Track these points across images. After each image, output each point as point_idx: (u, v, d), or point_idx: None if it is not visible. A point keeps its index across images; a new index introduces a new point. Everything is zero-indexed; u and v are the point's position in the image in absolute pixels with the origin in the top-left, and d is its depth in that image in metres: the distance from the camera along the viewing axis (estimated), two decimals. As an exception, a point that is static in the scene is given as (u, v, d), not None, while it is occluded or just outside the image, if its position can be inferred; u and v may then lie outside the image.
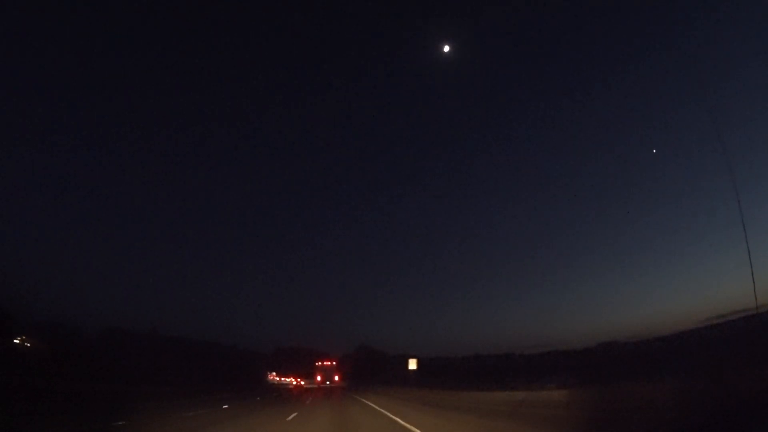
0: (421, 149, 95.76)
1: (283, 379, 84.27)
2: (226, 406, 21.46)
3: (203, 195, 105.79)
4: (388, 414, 15.88)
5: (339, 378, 59.15)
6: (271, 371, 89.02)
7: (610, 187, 70.57)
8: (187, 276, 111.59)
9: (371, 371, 60.89)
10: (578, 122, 70.87)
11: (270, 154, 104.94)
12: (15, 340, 31.14)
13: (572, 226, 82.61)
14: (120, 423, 13.57)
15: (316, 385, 57.93)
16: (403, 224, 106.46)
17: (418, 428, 11.45)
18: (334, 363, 60.31)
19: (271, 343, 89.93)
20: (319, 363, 60.42)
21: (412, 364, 47.20)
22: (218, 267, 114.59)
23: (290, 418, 15.81)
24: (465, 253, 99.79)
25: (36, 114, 75.61)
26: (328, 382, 57.30)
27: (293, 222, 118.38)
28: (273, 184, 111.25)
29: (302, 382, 63.74)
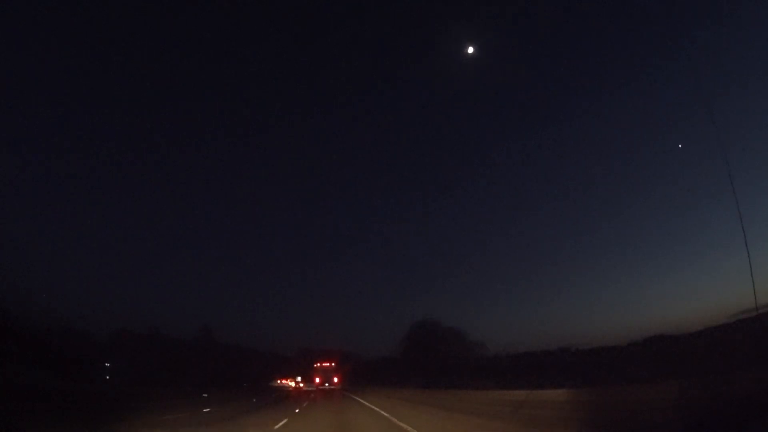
0: (446, 150, 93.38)
1: (288, 382, 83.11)
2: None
3: (230, 197, 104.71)
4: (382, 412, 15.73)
5: (338, 380, 58.32)
6: (285, 374, 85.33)
7: (624, 190, 69.41)
8: (218, 278, 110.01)
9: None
10: (589, 127, 69.74)
11: (289, 156, 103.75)
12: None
13: (591, 226, 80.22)
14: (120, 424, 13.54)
15: (314, 388, 57.39)
16: (425, 226, 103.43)
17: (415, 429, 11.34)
18: (333, 364, 59.52)
19: (298, 345, 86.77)
20: (318, 364, 59.85)
21: None
22: (248, 267, 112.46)
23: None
24: (488, 252, 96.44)
25: (46, 117, 75.89)
26: (326, 384, 56.69)
27: (327, 222, 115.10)
28: (306, 185, 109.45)
29: (301, 384, 63.53)
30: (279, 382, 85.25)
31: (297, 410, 20.97)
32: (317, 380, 58.49)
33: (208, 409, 21.55)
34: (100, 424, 13.49)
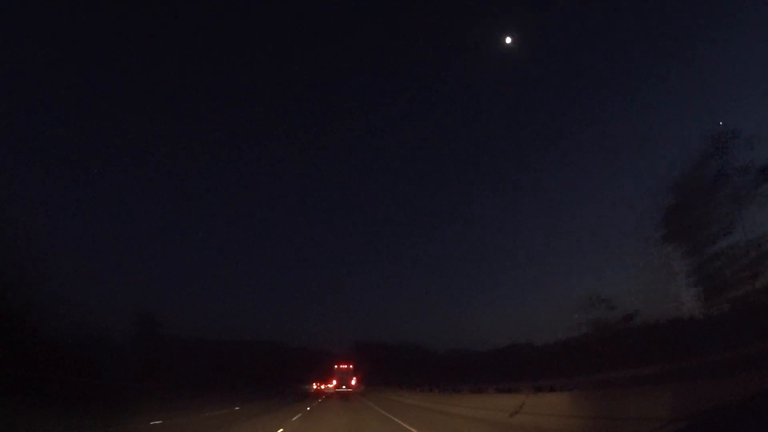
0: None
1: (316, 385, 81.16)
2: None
3: (272, 197, 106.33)
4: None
5: (356, 383, 59.09)
6: (321, 378, 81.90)
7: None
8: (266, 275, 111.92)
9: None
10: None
11: (320, 152, 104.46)
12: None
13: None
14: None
15: (332, 389, 58.30)
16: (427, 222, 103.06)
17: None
18: (351, 367, 60.55)
19: (354, 340, 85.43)
20: (336, 366, 60.74)
21: None
22: (297, 264, 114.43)
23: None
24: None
25: (70, 120, 75.43)
26: (344, 387, 57.46)
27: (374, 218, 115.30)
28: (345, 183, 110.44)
29: (322, 386, 64.09)
30: (315, 386, 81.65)
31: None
32: (334, 382, 59.60)
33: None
34: (133, 421, 14.26)
